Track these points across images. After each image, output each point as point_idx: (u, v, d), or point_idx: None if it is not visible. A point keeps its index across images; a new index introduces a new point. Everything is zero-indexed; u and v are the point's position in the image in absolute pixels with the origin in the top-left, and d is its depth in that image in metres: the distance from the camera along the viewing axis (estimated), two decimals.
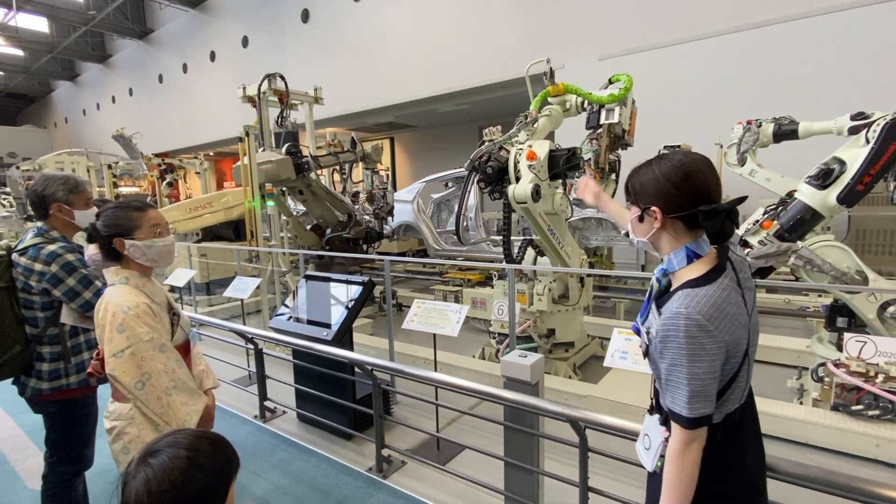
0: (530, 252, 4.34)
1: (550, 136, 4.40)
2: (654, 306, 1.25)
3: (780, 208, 3.72)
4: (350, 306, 3.30)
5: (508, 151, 3.75)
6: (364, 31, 13.42)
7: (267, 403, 3.84)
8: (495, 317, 4.25)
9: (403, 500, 2.72)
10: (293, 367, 3.69)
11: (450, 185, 8.71)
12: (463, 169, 8.04)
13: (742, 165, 6.25)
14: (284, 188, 6.16)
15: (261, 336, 3.42)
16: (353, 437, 3.42)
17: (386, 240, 8.24)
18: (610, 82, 4.67)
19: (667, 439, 1.21)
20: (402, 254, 10.41)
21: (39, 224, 2.17)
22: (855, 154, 3.28)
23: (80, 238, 2.22)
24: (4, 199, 14.26)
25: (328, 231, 6.29)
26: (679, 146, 7.61)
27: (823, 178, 3.34)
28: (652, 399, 1.37)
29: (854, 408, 2.97)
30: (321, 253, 5.54)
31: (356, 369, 3.34)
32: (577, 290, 4.33)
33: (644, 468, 1.34)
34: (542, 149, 3.54)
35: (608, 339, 5.06)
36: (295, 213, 6.67)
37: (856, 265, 3.32)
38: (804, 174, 5.79)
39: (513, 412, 2.36)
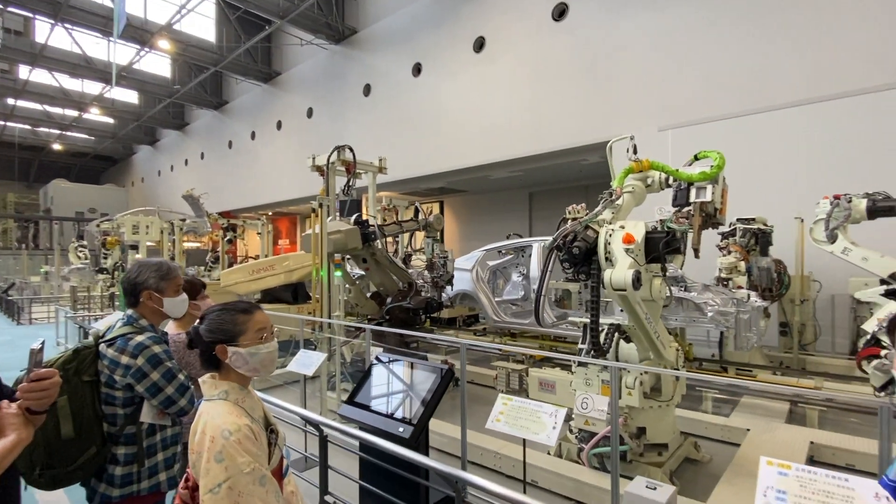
0: (616, 338, 3.95)
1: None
2: None
3: None
4: (428, 399, 3.01)
5: (596, 231, 3.51)
6: (422, 103, 14.05)
7: (327, 498, 3.50)
8: (578, 411, 3.82)
9: None
10: (359, 460, 3.37)
11: (503, 252, 8.51)
12: (521, 240, 7.84)
13: (832, 242, 5.76)
14: (348, 256, 6.15)
15: (329, 425, 3.16)
16: None
17: None
18: (696, 158, 4.43)
19: None
20: (453, 320, 10.11)
21: (129, 312, 2.07)
22: None
23: (170, 326, 2.09)
24: (81, 251, 15.27)
25: (388, 300, 6.14)
26: (754, 219, 7.19)
27: None
28: None
29: None
30: (392, 331, 5.33)
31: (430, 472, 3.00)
32: (671, 383, 3.86)
33: None
34: (638, 231, 3.28)
35: (700, 437, 4.50)
36: (356, 282, 6.61)
37: None
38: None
39: None
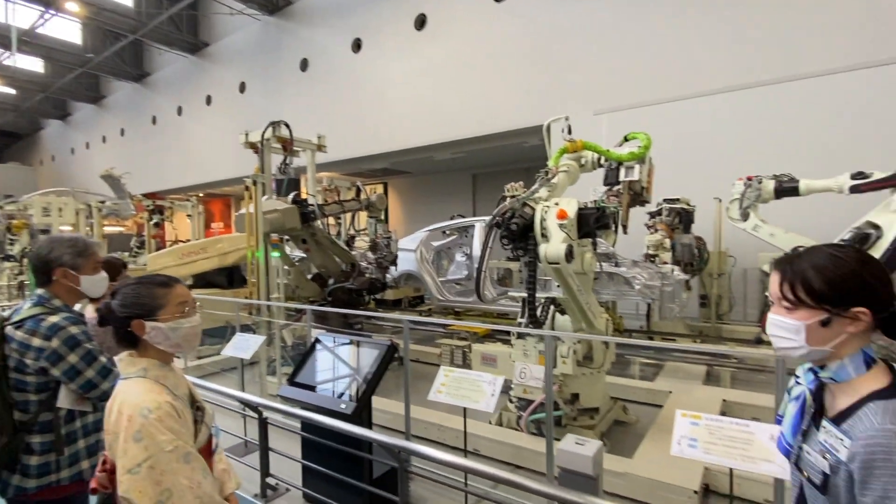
0: (551, 310, 4.14)
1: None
2: (827, 426, 1.05)
3: None
4: (370, 375, 3.03)
5: (533, 208, 3.63)
6: (363, 80, 13.69)
7: (269, 480, 3.45)
8: (517, 381, 3.99)
9: None
10: (301, 440, 3.34)
11: (447, 232, 8.59)
12: (467, 219, 7.95)
13: (745, 220, 6.28)
14: (286, 236, 5.96)
15: (270, 407, 3.10)
16: None
17: None
18: (625, 139, 4.66)
19: None
20: (398, 301, 10.12)
21: (40, 292, 1.91)
22: (890, 220, 3.23)
23: (88, 310, 1.96)
24: None
25: (331, 281, 6.05)
26: (679, 199, 7.70)
27: (860, 243, 3.27)
28: None
29: None
30: (334, 310, 5.24)
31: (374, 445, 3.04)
32: (601, 351, 4.12)
33: None
34: (571, 207, 3.42)
35: (628, 401, 4.84)
36: (296, 263, 6.43)
37: None
38: (806, 230, 5.83)
39: None
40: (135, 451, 1.30)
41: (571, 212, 3.40)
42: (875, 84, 7.45)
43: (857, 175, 5.14)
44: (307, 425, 3.24)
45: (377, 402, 4.86)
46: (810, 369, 1.12)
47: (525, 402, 4.06)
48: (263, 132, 6.39)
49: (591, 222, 3.45)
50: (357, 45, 13.80)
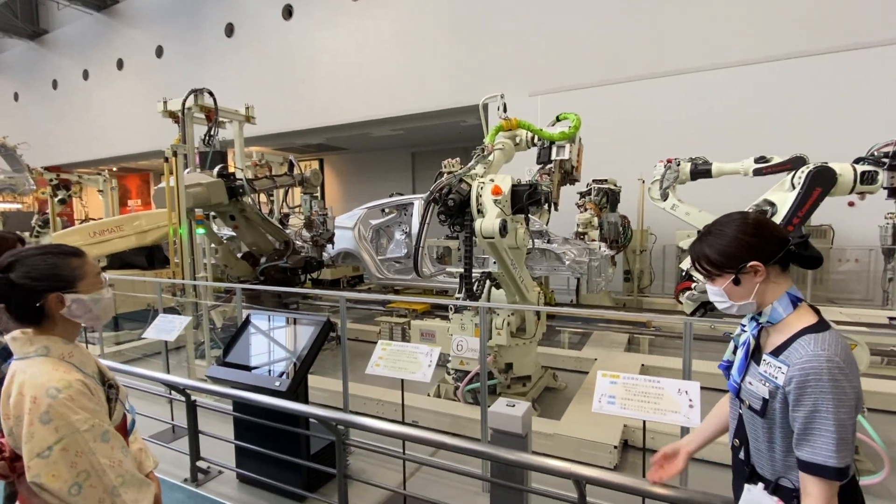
0: (487, 285, 4.26)
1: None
2: (767, 359, 1.21)
3: None
4: (306, 352, 2.98)
5: (469, 184, 3.69)
6: (295, 51, 13.02)
7: (200, 464, 3.33)
8: (454, 353, 4.10)
9: None
10: (233, 421, 3.24)
11: (386, 210, 8.51)
12: (406, 196, 7.91)
13: (664, 200, 6.75)
14: (213, 213, 5.63)
15: (198, 388, 2.97)
16: (306, 498, 3.05)
17: None
18: (557, 119, 4.82)
19: None
20: (337, 281, 9.95)
21: None
22: (783, 197, 3.61)
23: None
24: None
25: (263, 260, 5.82)
26: (606, 180, 8.11)
27: None
28: (746, 465, 1.31)
29: None
30: (265, 288, 5.03)
31: (310, 421, 3.02)
32: (534, 323, 4.31)
33: None
34: (505, 184, 3.51)
35: (558, 369, 5.13)
36: (224, 241, 6.11)
37: None
38: (719, 208, 6.38)
39: (501, 466, 2.21)
40: (43, 433, 1.21)
41: (506, 188, 3.49)
42: (782, 76, 8.20)
43: (760, 159, 5.68)
44: (239, 406, 3.15)
45: (315, 381, 4.81)
46: (752, 318, 1.30)
47: (462, 373, 4.19)
48: (185, 100, 5.93)
49: (524, 198, 3.56)
50: (288, 12, 13.05)
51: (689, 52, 8.81)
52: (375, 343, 3.07)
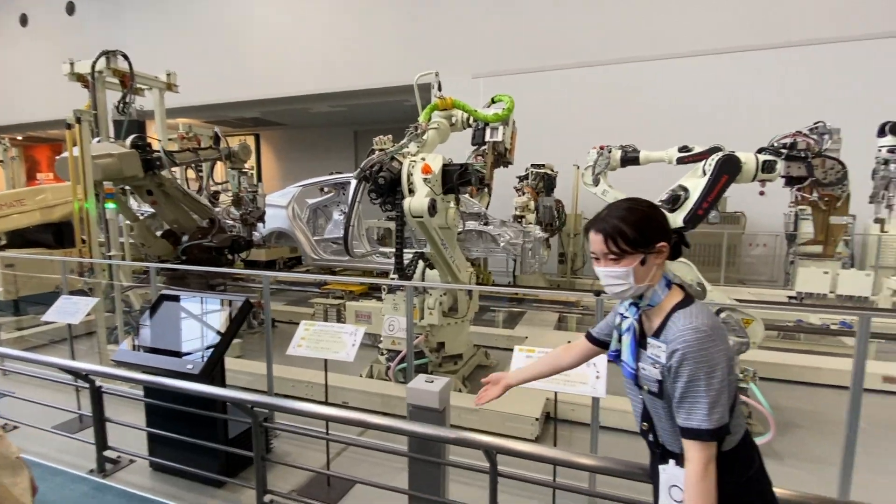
0: (420, 265, 4.25)
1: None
2: (651, 342, 1.26)
3: None
4: (222, 333, 2.84)
5: (400, 163, 3.64)
6: (228, 17, 12.19)
7: (107, 453, 3.12)
8: (386, 333, 4.09)
9: None
10: (144, 407, 3.06)
11: (325, 190, 8.26)
12: (344, 175, 7.71)
13: (596, 185, 7.00)
14: (127, 187, 5.20)
15: (102, 373, 2.77)
16: (224, 483, 2.95)
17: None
18: (493, 101, 4.84)
19: None
20: (273, 262, 9.58)
21: None
22: (695, 183, 3.83)
23: None
24: None
25: (185, 238, 5.47)
26: (544, 165, 8.31)
27: (672, 203, 3.83)
28: (657, 447, 1.35)
29: None
30: (182, 267, 4.73)
31: (228, 405, 2.90)
32: (465, 303, 4.37)
33: None
34: (436, 163, 3.49)
35: (490, 348, 5.26)
36: (141, 217, 5.68)
37: (697, 278, 3.88)
38: (646, 194, 6.73)
39: (420, 442, 2.23)
40: None
41: (436, 167, 3.47)
42: (705, 70, 8.69)
43: (683, 149, 5.99)
44: (152, 391, 2.97)
45: (243, 364, 4.64)
46: (632, 304, 1.32)
47: (394, 353, 4.19)
48: (94, 62, 5.41)
49: (455, 178, 3.56)
50: None
51: (623, 43, 9.13)
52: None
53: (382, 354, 4.39)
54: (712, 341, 1.16)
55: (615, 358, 1.42)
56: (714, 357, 1.15)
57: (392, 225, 8.08)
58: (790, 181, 3.78)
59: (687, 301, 1.25)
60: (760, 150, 3.79)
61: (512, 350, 5.42)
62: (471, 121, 4.50)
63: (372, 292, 7.07)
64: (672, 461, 1.29)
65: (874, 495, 1.90)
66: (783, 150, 3.70)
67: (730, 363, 1.19)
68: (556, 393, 2.40)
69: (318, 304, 6.27)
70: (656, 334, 1.26)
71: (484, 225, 6.42)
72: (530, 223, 7.13)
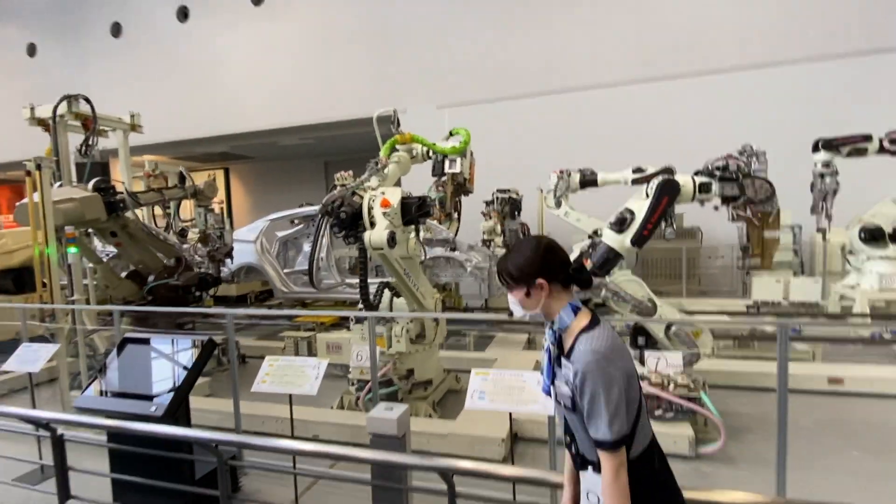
0: (386, 294, 4.36)
1: (398, 182, 4.56)
2: (563, 362, 1.42)
3: (590, 249, 4.40)
4: (185, 373, 2.88)
5: (361, 197, 3.78)
6: (193, 55, 12.32)
7: (71, 503, 3.07)
8: (354, 364, 4.15)
9: None
10: (108, 453, 3.04)
11: (296, 222, 8.33)
12: (311, 208, 7.80)
13: (558, 207, 7.28)
14: (90, 229, 5.19)
15: (62, 421, 2.75)
16: None
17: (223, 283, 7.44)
18: (451, 134, 5.06)
19: None
20: (244, 297, 9.51)
21: None
22: (640, 206, 4.09)
23: None
24: None
25: (150, 279, 5.45)
26: (509, 190, 8.59)
27: (619, 225, 4.06)
28: (577, 457, 1.50)
29: (656, 413, 3.62)
30: (145, 309, 4.72)
31: (195, 445, 2.92)
32: (432, 329, 4.48)
33: None
34: (394, 196, 3.65)
35: (461, 371, 5.35)
36: (105, 258, 5.64)
37: (647, 294, 4.10)
38: (607, 213, 7.02)
39: (381, 469, 2.31)
40: None
41: (395, 201, 3.63)
42: (655, 95, 9.22)
43: (637, 170, 6.34)
44: (116, 436, 2.96)
45: (210, 403, 4.61)
46: (550, 329, 1.50)
47: (364, 382, 4.24)
48: (55, 107, 5.44)
49: (413, 210, 3.72)
50: (183, 14, 12.33)
51: (580, 71, 9.64)
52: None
53: (353, 385, 4.43)
54: (608, 361, 1.32)
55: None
56: (611, 375, 1.31)
57: None
58: (725, 200, 4.07)
59: (592, 324, 1.40)
60: (697, 173, 4.08)
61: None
62: (430, 153, 4.71)
63: (343, 322, 7.11)
64: (590, 468, 1.43)
65: (812, 490, 2.05)
66: (717, 172, 4.00)
67: (628, 380, 1.34)
68: (510, 414, 2.52)
69: (288, 337, 6.27)
70: (567, 355, 1.41)
71: (451, 251, 6.59)
72: (498, 246, 7.35)
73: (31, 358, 3.59)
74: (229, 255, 6.16)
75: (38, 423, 2.93)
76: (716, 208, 9.34)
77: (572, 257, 5.49)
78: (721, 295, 8.94)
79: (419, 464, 2.03)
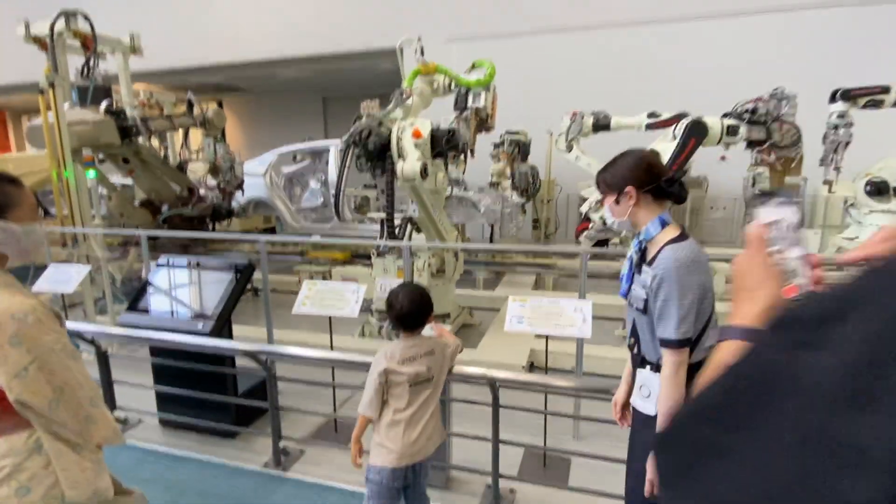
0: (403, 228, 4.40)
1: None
2: (644, 268, 1.52)
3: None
4: (228, 294, 2.96)
5: (389, 128, 3.73)
6: None
7: (117, 413, 3.23)
8: (378, 295, 4.26)
9: (310, 489, 2.62)
10: (152, 368, 3.17)
11: (298, 158, 8.18)
12: (321, 142, 7.64)
13: (569, 151, 7.23)
14: (102, 156, 5.08)
15: (112, 335, 2.85)
16: (235, 435, 3.12)
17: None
18: (473, 67, 4.93)
19: None
20: (247, 233, 9.49)
21: None
22: (666, 147, 4.11)
23: None
24: None
25: (164, 208, 5.42)
26: (518, 132, 8.46)
27: None
28: (638, 356, 1.63)
29: None
30: (175, 234, 4.71)
31: (237, 361, 3.06)
32: (452, 265, 4.58)
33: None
34: (425, 128, 3.61)
35: (474, 308, 5.52)
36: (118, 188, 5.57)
37: None
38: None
39: None
40: (16, 355, 1.26)
41: (426, 131, 3.59)
42: (672, 37, 8.93)
43: (651, 115, 6.27)
44: (157, 352, 3.07)
45: (236, 330, 4.73)
46: (636, 239, 1.60)
47: (386, 313, 4.38)
48: (53, 23, 5.12)
49: (443, 143, 3.70)
50: None
51: (591, 8, 9.24)
52: (294, 293, 3.12)
53: (373, 315, 4.57)
54: (688, 270, 1.42)
55: (622, 280, 1.70)
56: (687, 282, 1.41)
57: (370, 192, 8.18)
58: (751, 144, 4.10)
59: (681, 237, 1.49)
60: (725, 115, 4.08)
61: (493, 309, 5.72)
62: (452, 86, 4.59)
63: (354, 259, 7.20)
64: (648, 367, 1.58)
65: None
66: (746, 115, 4.00)
67: (703, 293, 1.45)
68: (546, 338, 2.66)
69: (303, 271, 6.35)
70: (650, 262, 1.51)
71: (463, 191, 6.58)
72: (506, 189, 7.34)
73: (62, 279, 3.63)
74: (240, 187, 6.10)
75: (83, 338, 3.02)
76: (722, 158, 9.37)
77: (583, 208, 5.47)
78: (720, 244, 9.15)
79: (472, 373, 2.17)
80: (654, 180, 1.51)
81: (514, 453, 2.74)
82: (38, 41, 5.49)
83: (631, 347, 1.68)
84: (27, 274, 4.44)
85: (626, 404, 1.78)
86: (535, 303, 2.61)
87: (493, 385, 2.20)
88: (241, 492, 2.60)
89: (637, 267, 1.57)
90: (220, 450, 3.00)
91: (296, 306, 3.03)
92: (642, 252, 1.58)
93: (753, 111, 3.99)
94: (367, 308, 4.87)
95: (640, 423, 1.63)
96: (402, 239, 4.16)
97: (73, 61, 5.46)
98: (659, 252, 1.49)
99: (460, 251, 4.75)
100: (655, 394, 1.53)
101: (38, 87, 4.13)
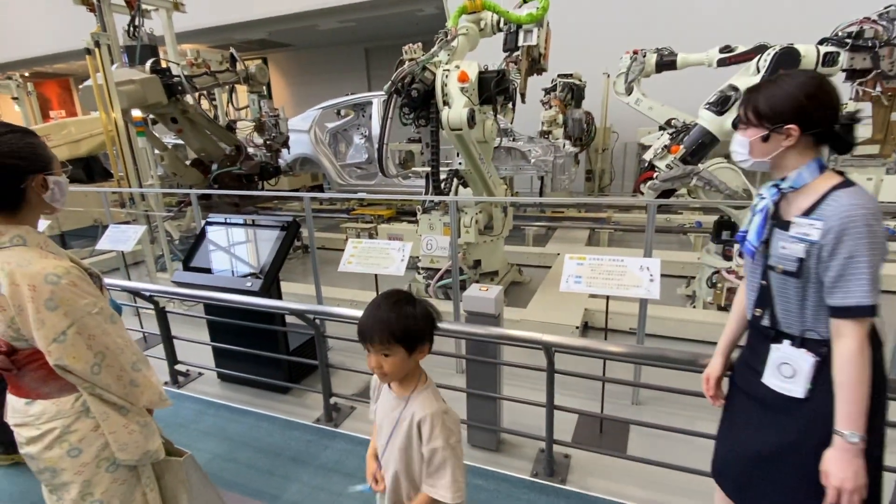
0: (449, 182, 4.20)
1: None
2: (797, 220, 1.22)
3: (682, 134, 4.00)
4: (275, 251, 2.92)
5: (433, 73, 3.47)
6: None
7: (178, 367, 3.38)
8: (424, 252, 4.15)
9: (361, 444, 2.63)
10: (207, 325, 3.25)
11: (342, 113, 8.03)
12: (363, 95, 7.44)
13: (629, 94, 6.61)
14: (151, 116, 5.13)
15: (167, 293, 2.91)
16: (287, 390, 3.19)
17: None
18: (524, 1, 4.48)
19: (818, 361, 1.22)
20: (296, 192, 9.61)
21: None
22: (747, 81, 3.59)
23: None
24: None
25: (214, 167, 5.47)
26: (571, 75, 7.84)
27: (721, 105, 3.62)
28: (770, 329, 1.32)
29: None
30: (221, 192, 4.77)
31: (287, 319, 3.06)
32: (500, 220, 4.37)
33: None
34: (472, 70, 3.32)
35: (523, 265, 5.32)
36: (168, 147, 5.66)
37: (744, 184, 3.76)
38: (683, 102, 6.33)
39: (475, 344, 2.34)
40: (54, 319, 1.21)
41: (472, 74, 3.30)
42: None
43: (725, 49, 5.55)
44: (211, 309, 3.13)
45: (284, 287, 4.81)
46: (773, 185, 1.29)
47: (432, 271, 4.28)
48: None
49: (492, 86, 3.41)
50: None
51: None
52: (342, 251, 3.03)
53: (420, 273, 4.49)
54: (876, 220, 1.13)
55: (742, 239, 1.38)
56: (878, 234, 1.12)
57: (415, 147, 7.96)
58: (852, 75, 3.50)
59: (848, 183, 1.19)
60: (822, 41, 3.49)
61: (544, 266, 5.50)
62: (501, 24, 4.20)
63: (400, 216, 7.11)
64: (787, 342, 1.28)
65: None
66: (847, 41, 3.39)
67: (885, 247, 1.15)
68: (608, 298, 2.45)
69: (349, 228, 6.34)
70: (807, 213, 1.21)
71: (512, 141, 6.23)
72: (558, 138, 6.89)
73: (121, 238, 3.75)
74: (286, 144, 6.06)
75: (142, 296, 3.11)
76: None
77: (647, 155, 4.93)
78: None
79: (527, 338, 2.01)
80: (827, 120, 1.18)
81: (569, 418, 2.61)
82: (86, 2, 5.53)
83: (756, 319, 1.36)
84: (96, 233, 4.65)
85: (719, 379, 1.55)
86: (595, 261, 2.39)
87: (549, 350, 2.04)
88: (296, 445, 2.65)
89: (776, 224, 1.27)
90: (275, 404, 3.08)
91: (341, 264, 2.96)
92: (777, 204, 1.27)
93: (858, 35, 3.37)
94: (413, 266, 4.81)
95: (779, 405, 1.30)
96: (448, 194, 3.97)
97: (122, 21, 5.49)
98: (822, 200, 1.18)
99: (509, 206, 4.50)
100: (804, 374, 1.25)
101: (81, 55, 4.13)
